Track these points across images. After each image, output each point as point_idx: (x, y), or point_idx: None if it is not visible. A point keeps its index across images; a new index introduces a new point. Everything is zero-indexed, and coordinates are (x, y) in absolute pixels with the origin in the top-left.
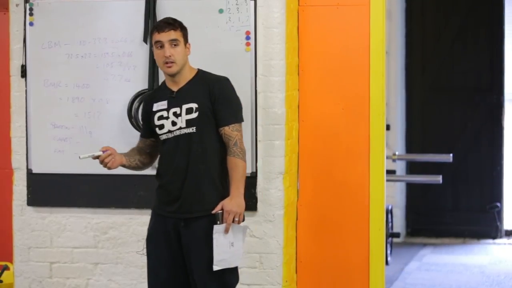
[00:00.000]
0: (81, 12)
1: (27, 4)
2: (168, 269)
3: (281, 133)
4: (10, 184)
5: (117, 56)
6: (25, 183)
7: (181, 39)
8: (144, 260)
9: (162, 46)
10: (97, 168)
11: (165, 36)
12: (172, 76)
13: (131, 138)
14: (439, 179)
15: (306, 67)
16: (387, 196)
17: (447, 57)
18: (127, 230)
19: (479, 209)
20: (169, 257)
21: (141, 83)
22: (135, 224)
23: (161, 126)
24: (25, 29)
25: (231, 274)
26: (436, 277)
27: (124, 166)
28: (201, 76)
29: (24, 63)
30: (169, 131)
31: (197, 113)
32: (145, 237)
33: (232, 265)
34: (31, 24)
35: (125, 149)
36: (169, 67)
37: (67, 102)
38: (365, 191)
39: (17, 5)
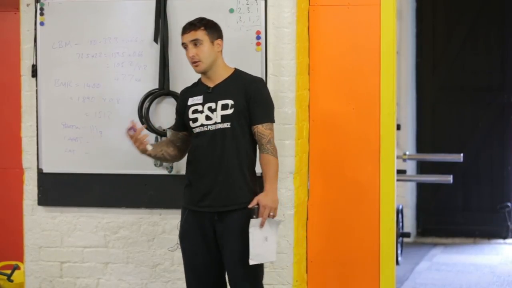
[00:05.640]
0: (91, 12)
1: (38, 4)
2: (204, 263)
3: (292, 132)
4: (20, 184)
5: (128, 55)
6: (35, 182)
7: (205, 38)
8: (154, 260)
9: (186, 47)
10: (107, 168)
11: (187, 37)
12: (203, 73)
13: None
14: (449, 179)
15: (316, 67)
16: (398, 196)
17: (457, 57)
18: (138, 230)
19: (490, 209)
20: (204, 251)
21: (152, 83)
22: (145, 223)
23: (195, 120)
24: (35, 29)
25: (259, 268)
26: (446, 277)
27: (149, 154)
28: (238, 75)
29: (34, 63)
30: (203, 125)
31: (232, 109)
32: (154, 236)
33: (268, 260)
34: (41, 23)
35: (135, 148)
36: (196, 66)
37: (77, 102)
38: (375, 191)
39: (27, 4)
